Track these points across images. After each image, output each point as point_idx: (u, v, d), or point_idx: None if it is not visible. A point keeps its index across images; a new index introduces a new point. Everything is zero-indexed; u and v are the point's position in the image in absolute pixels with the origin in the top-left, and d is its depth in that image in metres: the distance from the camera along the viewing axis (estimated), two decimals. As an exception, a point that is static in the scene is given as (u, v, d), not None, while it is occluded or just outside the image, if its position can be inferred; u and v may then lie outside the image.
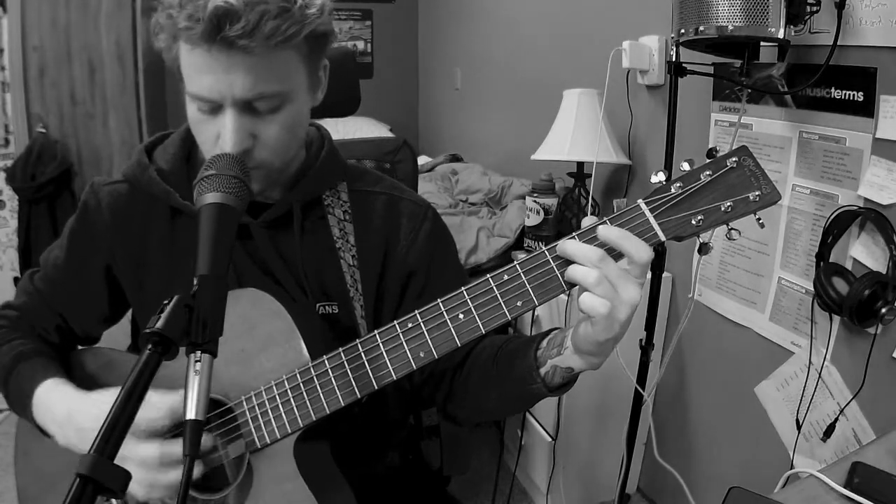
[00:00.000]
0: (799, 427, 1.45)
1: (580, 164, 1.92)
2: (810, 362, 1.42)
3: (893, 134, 1.21)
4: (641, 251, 0.66)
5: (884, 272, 1.23)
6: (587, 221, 0.69)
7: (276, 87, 0.77)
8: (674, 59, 1.38)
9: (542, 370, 0.77)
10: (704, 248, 0.72)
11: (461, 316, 0.71)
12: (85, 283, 0.95)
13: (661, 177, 0.69)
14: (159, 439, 0.76)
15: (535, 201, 1.92)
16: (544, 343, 0.78)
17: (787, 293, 1.49)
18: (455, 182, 2.58)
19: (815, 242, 1.36)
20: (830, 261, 1.33)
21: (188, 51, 0.75)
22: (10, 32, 2.85)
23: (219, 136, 0.78)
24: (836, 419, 1.37)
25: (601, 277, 0.65)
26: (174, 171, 0.91)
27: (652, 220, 0.68)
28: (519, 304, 0.69)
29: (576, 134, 1.84)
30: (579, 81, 1.91)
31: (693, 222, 0.67)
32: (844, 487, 0.87)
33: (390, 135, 3.20)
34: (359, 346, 0.75)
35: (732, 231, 0.68)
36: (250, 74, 0.74)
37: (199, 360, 0.57)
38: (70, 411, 0.81)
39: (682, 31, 1.27)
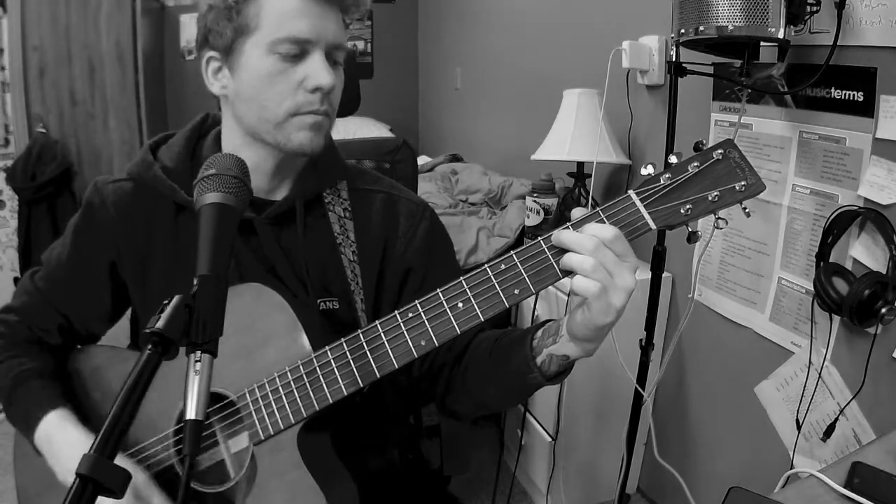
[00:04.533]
0: (799, 427, 1.45)
1: (580, 164, 1.92)
2: (810, 362, 1.42)
3: (893, 134, 1.21)
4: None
5: (884, 272, 1.23)
6: (577, 212, 0.71)
7: (346, 42, 0.88)
8: (674, 59, 1.38)
9: (539, 359, 0.79)
10: (693, 237, 0.74)
11: (460, 305, 0.72)
12: (89, 281, 0.95)
13: (650, 169, 0.71)
14: None
15: (535, 201, 1.92)
16: (539, 333, 0.80)
17: (787, 293, 1.49)
18: (455, 182, 2.58)
19: (815, 242, 1.36)
20: (830, 261, 1.33)
21: None
22: (10, 32, 2.84)
23: (302, 81, 0.83)
24: (836, 419, 1.37)
25: (597, 265, 0.67)
26: (179, 169, 0.92)
27: (642, 209, 0.70)
28: (516, 291, 0.71)
29: (576, 134, 1.84)
30: (579, 81, 1.91)
31: (682, 211, 0.70)
32: (844, 487, 0.87)
33: (390, 135, 3.20)
34: (360, 336, 0.77)
35: (720, 220, 0.71)
36: (337, 24, 0.85)
37: (199, 361, 0.57)
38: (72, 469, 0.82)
39: (682, 31, 1.27)
